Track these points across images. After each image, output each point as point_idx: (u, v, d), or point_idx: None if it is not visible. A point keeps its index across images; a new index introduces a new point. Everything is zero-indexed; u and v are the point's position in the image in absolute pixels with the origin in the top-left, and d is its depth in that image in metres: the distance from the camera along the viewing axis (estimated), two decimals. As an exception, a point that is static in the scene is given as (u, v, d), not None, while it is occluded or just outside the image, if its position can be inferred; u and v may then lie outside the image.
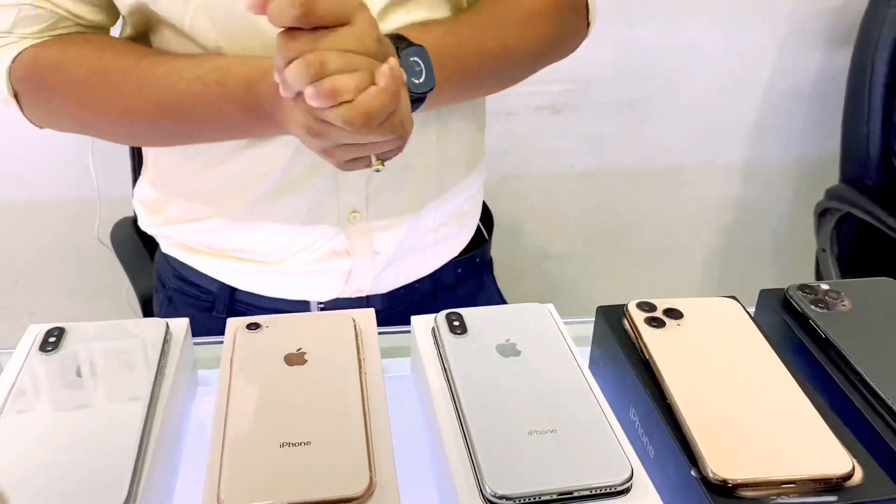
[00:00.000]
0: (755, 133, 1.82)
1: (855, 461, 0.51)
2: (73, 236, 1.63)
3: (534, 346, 0.61)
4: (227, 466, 0.50)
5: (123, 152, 1.35)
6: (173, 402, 0.59)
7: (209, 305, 0.93)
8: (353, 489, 0.49)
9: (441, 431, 0.55)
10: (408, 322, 0.67)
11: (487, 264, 1.07)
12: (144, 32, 0.80)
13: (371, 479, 0.49)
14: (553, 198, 1.81)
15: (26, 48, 0.76)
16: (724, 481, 0.49)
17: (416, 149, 0.81)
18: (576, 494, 0.49)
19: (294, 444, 0.52)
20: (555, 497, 0.49)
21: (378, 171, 0.64)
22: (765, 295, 0.70)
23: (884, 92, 1.56)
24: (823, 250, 1.71)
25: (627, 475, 0.50)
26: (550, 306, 0.67)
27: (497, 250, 1.09)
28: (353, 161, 0.65)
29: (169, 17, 0.75)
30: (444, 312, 0.65)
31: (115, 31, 0.83)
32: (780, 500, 0.49)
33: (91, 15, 0.78)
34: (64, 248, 1.67)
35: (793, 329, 0.65)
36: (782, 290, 0.69)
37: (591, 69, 1.67)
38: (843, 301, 0.67)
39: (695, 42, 1.69)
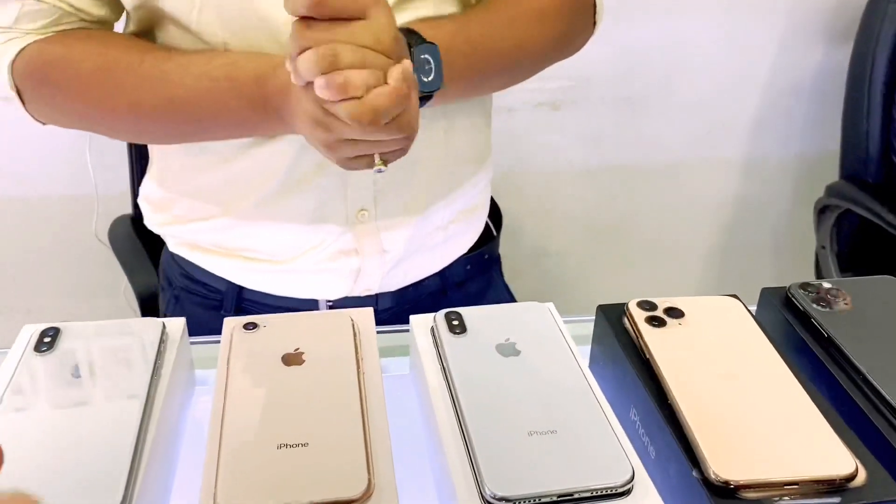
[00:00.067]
0: (755, 130, 1.82)
1: (858, 462, 0.50)
2: (71, 234, 1.62)
3: (534, 346, 0.61)
4: (224, 468, 0.50)
5: (121, 150, 1.35)
6: (170, 403, 0.58)
7: (217, 304, 0.93)
8: (351, 491, 0.48)
9: (440, 432, 0.55)
10: None
11: (496, 261, 1.06)
12: (148, 29, 0.80)
13: (369, 480, 0.49)
14: (552, 195, 1.81)
15: (29, 44, 0.76)
16: (726, 482, 0.49)
17: (423, 145, 0.80)
18: (576, 496, 0.49)
19: (291, 446, 0.51)
20: (555, 499, 0.48)
21: (380, 171, 0.64)
22: (766, 293, 0.69)
23: (884, 89, 1.55)
24: (823, 247, 1.71)
25: (628, 476, 0.50)
26: (550, 305, 0.67)
27: (496, 247, 1.09)
28: (356, 159, 0.64)
29: (175, 13, 0.75)
30: (443, 311, 0.64)
31: (118, 27, 0.83)
32: (782, 502, 0.48)
33: (95, 10, 0.78)
34: (61, 246, 1.66)
35: (794, 328, 0.65)
36: (784, 288, 0.68)
37: (590, 66, 1.66)
38: (845, 299, 0.66)
39: (694, 39, 1.68)
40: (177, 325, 0.64)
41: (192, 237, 0.90)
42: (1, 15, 0.75)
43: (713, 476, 0.49)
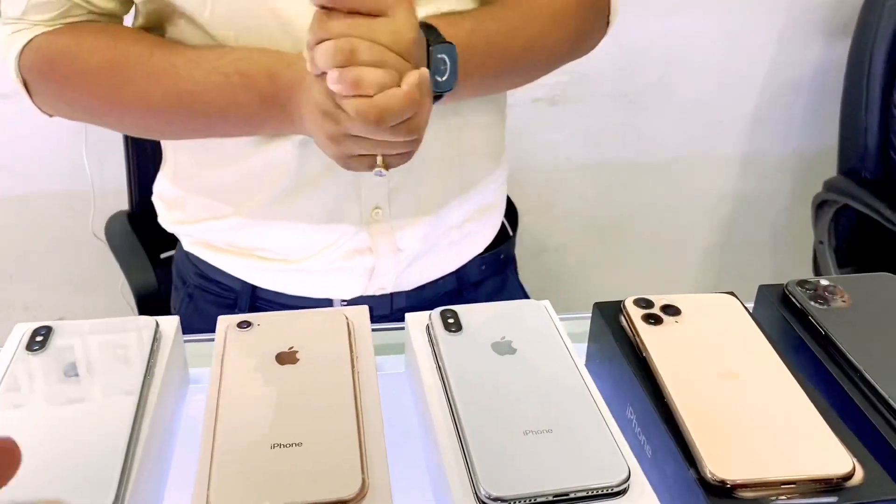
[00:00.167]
0: (753, 126, 1.82)
1: (855, 461, 0.50)
2: (68, 230, 1.62)
3: (529, 344, 0.61)
4: (217, 469, 0.49)
5: (117, 146, 1.35)
6: (163, 402, 0.58)
7: (231, 304, 0.93)
8: (345, 491, 0.48)
9: (435, 432, 0.54)
10: None
11: (511, 261, 1.06)
12: (157, 24, 0.80)
13: (364, 480, 0.49)
14: (550, 191, 1.80)
15: (37, 35, 0.76)
16: (723, 482, 0.48)
17: (438, 142, 0.80)
18: (572, 496, 0.48)
19: (285, 446, 0.51)
20: (550, 499, 0.48)
21: (380, 174, 0.63)
22: (763, 290, 0.69)
23: (882, 84, 1.55)
24: (821, 242, 1.70)
25: (624, 476, 0.49)
26: (546, 303, 0.66)
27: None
28: (357, 159, 0.64)
29: (187, 8, 0.74)
30: (438, 309, 0.64)
31: (127, 21, 0.82)
32: (779, 501, 0.48)
33: (104, 3, 0.77)
34: (58, 243, 1.66)
35: (792, 325, 0.64)
36: (781, 285, 0.68)
37: (588, 61, 1.64)
38: (842, 297, 0.66)
39: (692, 34, 1.68)
40: (170, 323, 0.64)
41: (205, 236, 0.90)
42: (9, 6, 0.75)
43: (709, 475, 0.49)
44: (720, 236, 1.96)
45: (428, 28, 0.66)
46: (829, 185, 1.67)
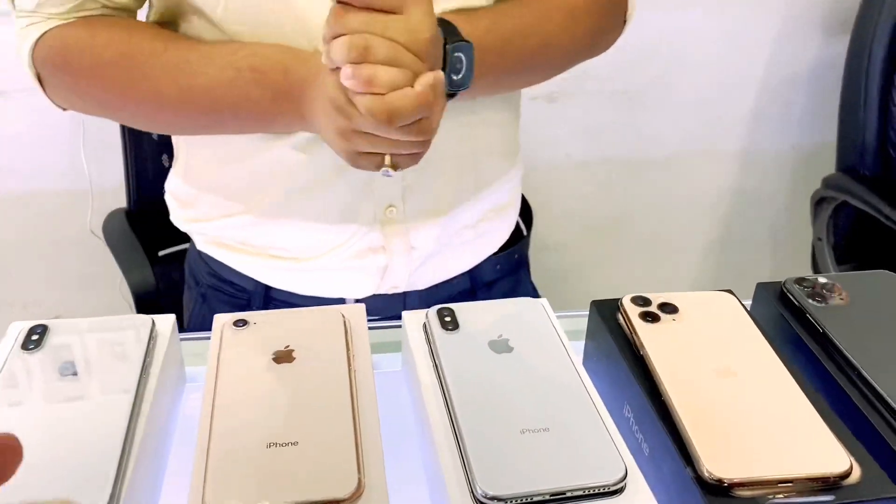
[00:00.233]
0: (752, 122, 1.81)
1: (853, 459, 0.50)
2: (66, 228, 1.62)
3: (526, 343, 0.60)
4: (213, 468, 0.49)
5: (115, 144, 1.34)
6: (159, 400, 0.58)
7: (244, 303, 0.92)
8: (341, 491, 0.48)
9: (432, 430, 0.54)
10: None
11: (525, 261, 1.05)
12: (171, 19, 0.80)
13: (359, 480, 0.48)
14: (548, 188, 1.80)
15: (51, 28, 0.76)
16: (720, 481, 0.48)
17: (452, 141, 0.80)
18: (569, 494, 0.48)
19: (281, 444, 0.51)
20: (547, 497, 0.48)
21: (388, 174, 0.63)
22: (761, 288, 0.69)
23: (880, 81, 1.55)
24: (819, 239, 1.70)
25: (621, 475, 0.49)
26: (544, 301, 0.66)
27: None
28: (366, 156, 0.64)
29: (200, 3, 0.74)
30: (435, 307, 0.64)
31: (141, 16, 0.82)
32: (776, 500, 0.48)
33: None
34: (56, 240, 1.66)
35: (790, 323, 0.64)
36: (779, 283, 0.68)
37: (587, 58, 1.65)
38: (840, 294, 0.66)
39: (691, 31, 1.68)
40: (166, 321, 0.64)
41: (217, 234, 0.90)
42: None
43: (706, 474, 0.49)
44: (718, 233, 1.95)
45: (446, 25, 0.66)
46: (827, 182, 1.67)
